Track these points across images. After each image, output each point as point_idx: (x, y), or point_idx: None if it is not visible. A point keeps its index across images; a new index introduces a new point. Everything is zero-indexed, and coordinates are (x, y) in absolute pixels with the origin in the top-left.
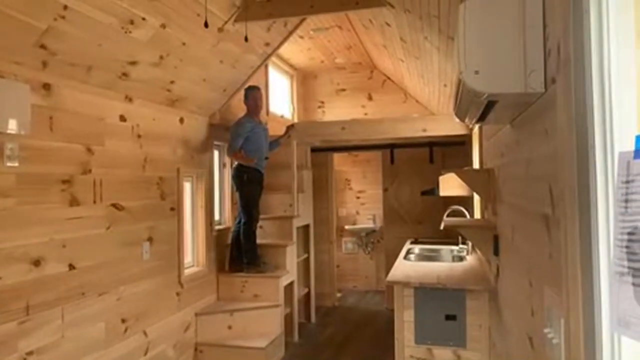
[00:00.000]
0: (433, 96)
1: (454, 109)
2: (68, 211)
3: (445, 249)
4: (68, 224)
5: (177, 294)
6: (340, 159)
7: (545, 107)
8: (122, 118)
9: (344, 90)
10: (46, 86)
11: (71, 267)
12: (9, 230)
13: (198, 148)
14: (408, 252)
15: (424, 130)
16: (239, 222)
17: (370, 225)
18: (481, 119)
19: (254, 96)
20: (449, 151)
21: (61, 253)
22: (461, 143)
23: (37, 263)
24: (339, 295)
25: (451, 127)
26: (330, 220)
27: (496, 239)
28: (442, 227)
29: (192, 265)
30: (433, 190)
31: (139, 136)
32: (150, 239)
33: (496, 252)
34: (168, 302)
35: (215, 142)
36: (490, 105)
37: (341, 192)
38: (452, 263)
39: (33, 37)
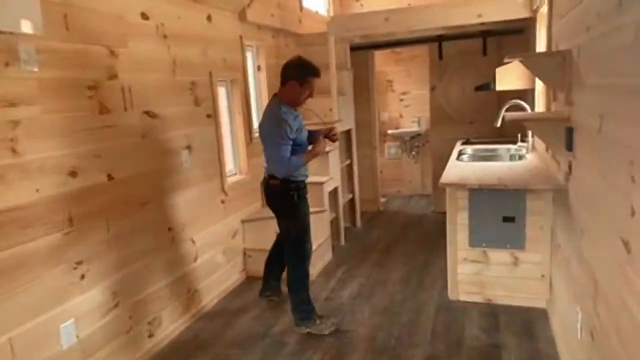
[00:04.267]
0: None
1: None
2: (98, 119)
3: (502, 148)
4: (100, 133)
5: (222, 201)
6: (381, 59)
7: None
8: (144, 16)
9: None
10: None
11: (110, 177)
12: (37, 140)
13: (230, 49)
14: (460, 153)
15: (480, 16)
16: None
17: (414, 128)
18: None
19: (312, 85)
20: (504, 41)
21: (97, 163)
22: (518, 31)
23: (73, 174)
24: (383, 200)
25: (511, 10)
26: (372, 124)
27: (570, 132)
28: (498, 123)
29: (235, 173)
30: (488, 85)
31: (165, 36)
32: (189, 147)
33: (569, 147)
34: (213, 210)
35: (248, 43)
36: None
37: (382, 95)
38: (510, 162)
39: None
